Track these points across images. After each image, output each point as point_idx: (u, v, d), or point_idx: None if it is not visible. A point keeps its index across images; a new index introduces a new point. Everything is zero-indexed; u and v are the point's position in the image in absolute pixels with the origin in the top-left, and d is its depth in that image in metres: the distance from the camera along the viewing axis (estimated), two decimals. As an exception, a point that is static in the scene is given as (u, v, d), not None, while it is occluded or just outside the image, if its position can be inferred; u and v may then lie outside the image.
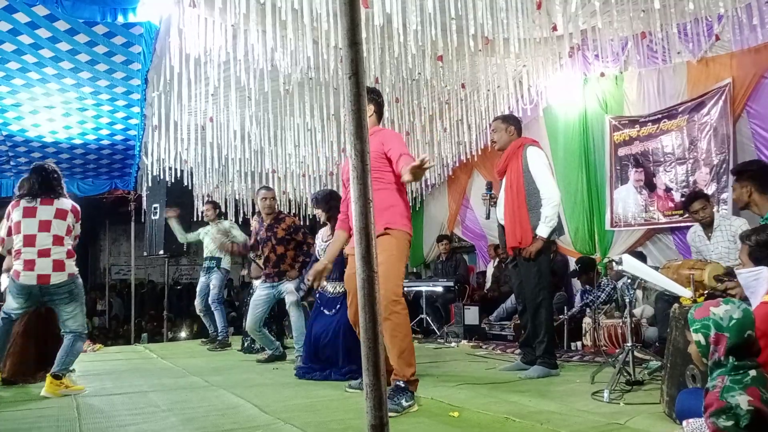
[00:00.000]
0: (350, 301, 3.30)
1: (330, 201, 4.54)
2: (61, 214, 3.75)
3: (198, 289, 6.87)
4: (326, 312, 4.33)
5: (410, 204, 9.16)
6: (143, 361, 5.45)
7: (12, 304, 3.69)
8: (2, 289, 4.22)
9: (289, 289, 5.02)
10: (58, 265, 3.65)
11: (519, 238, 3.97)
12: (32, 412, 3.06)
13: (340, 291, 4.21)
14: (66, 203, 3.84)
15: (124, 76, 5.69)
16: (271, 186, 6.67)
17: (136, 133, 6.92)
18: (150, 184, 7.80)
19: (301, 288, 5.00)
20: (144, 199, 8.35)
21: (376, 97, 3.37)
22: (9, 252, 3.90)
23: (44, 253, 3.62)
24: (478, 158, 7.54)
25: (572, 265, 6.83)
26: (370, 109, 3.22)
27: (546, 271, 4.00)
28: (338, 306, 4.24)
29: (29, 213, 3.68)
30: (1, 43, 5.00)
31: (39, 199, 3.73)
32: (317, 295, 4.58)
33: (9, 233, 3.78)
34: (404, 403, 2.82)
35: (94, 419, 2.81)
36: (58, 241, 3.68)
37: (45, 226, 3.67)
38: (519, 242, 3.97)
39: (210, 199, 7.43)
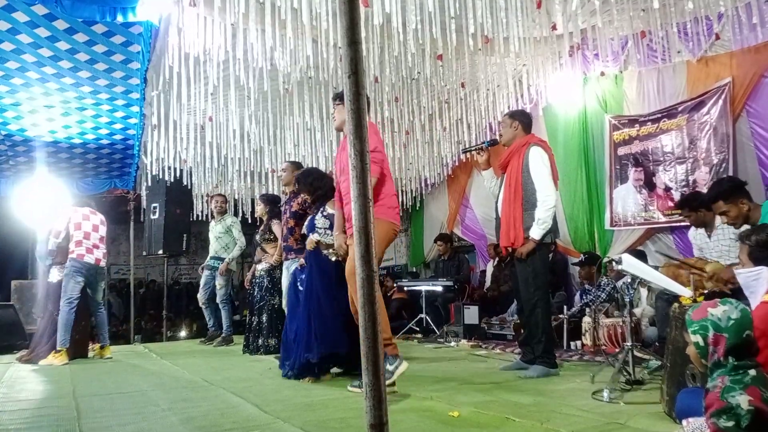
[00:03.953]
0: (351, 292, 3.28)
1: (314, 182, 4.15)
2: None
3: (202, 282, 6.87)
4: (300, 287, 4.03)
5: (410, 203, 9.20)
6: (143, 361, 5.44)
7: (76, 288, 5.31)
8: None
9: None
10: None
11: (512, 239, 3.94)
12: (32, 411, 3.06)
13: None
14: None
15: (123, 75, 5.68)
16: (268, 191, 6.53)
17: (136, 133, 6.91)
18: (149, 184, 7.81)
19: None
20: (143, 198, 8.35)
21: None
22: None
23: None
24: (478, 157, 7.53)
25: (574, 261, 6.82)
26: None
27: (542, 271, 3.95)
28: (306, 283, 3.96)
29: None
30: (0, 42, 5.00)
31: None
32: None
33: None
34: (389, 367, 2.80)
35: (94, 419, 2.80)
36: None
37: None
38: (512, 243, 3.95)
39: (220, 193, 7.37)
